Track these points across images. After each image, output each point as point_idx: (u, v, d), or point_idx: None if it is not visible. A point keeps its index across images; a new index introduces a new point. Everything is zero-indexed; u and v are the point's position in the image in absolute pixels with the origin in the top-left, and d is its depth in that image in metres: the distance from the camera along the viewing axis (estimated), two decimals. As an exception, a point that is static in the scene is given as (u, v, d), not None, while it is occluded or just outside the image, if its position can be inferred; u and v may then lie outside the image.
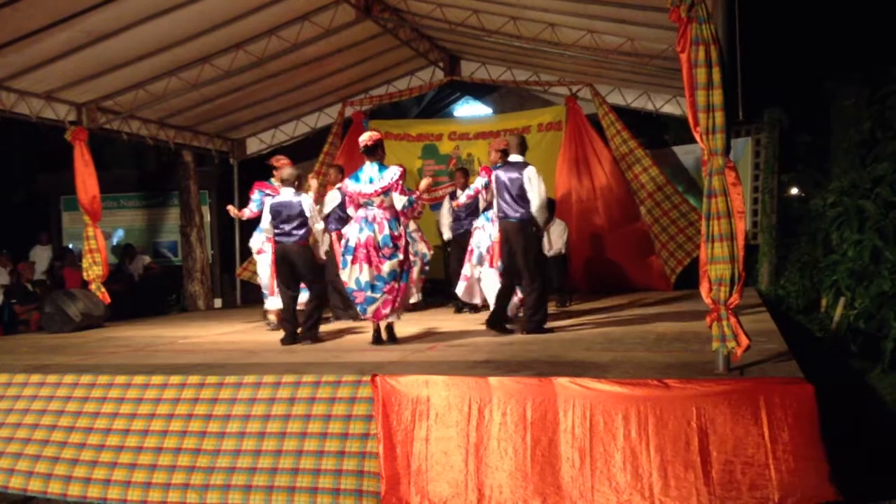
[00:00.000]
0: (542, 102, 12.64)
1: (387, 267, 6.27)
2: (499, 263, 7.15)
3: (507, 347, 6.01)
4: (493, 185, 6.86)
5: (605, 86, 11.34)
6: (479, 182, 7.57)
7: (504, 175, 6.73)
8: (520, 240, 6.65)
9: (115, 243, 13.86)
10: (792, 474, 3.85)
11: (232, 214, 8.07)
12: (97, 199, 9.86)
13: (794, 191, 12.34)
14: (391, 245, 6.28)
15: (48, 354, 6.86)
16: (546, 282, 6.97)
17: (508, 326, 6.89)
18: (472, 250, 7.81)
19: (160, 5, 8.02)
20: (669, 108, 11.33)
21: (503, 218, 6.78)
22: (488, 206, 7.55)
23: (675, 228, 10.61)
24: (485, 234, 7.67)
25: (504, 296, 6.90)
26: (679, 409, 4.07)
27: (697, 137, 4.61)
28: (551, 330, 6.83)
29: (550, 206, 9.29)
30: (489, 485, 4.25)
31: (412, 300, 6.99)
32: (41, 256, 12.64)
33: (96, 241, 9.86)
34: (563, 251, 9.36)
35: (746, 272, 4.67)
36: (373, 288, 6.30)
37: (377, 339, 6.54)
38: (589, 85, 11.20)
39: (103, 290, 9.79)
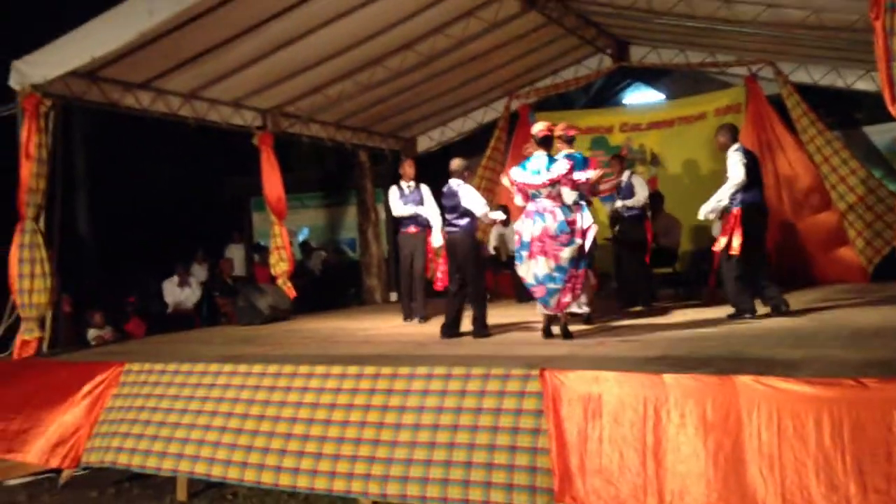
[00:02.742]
0: (718, 85, 12.01)
1: (566, 254, 6.16)
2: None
3: (685, 343, 5.76)
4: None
5: (788, 63, 10.57)
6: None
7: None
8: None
9: (300, 240, 14.68)
10: None
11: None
12: (282, 199, 10.47)
13: None
14: (567, 230, 6.18)
15: (239, 345, 7.36)
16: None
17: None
18: None
19: (335, 11, 8.35)
20: (862, 84, 10.41)
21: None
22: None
23: (872, 215, 9.72)
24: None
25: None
26: (879, 413, 3.70)
27: (894, 113, 4.21)
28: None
29: (657, 199, 8.98)
30: (669, 490, 4.05)
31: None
32: (236, 254, 13.62)
33: (282, 239, 10.48)
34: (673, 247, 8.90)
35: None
36: (553, 279, 6.20)
37: (548, 333, 6.47)
38: (770, 63, 10.50)
39: (289, 284, 10.40)
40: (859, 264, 9.92)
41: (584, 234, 6.36)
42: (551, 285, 6.22)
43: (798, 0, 7.93)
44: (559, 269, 6.18)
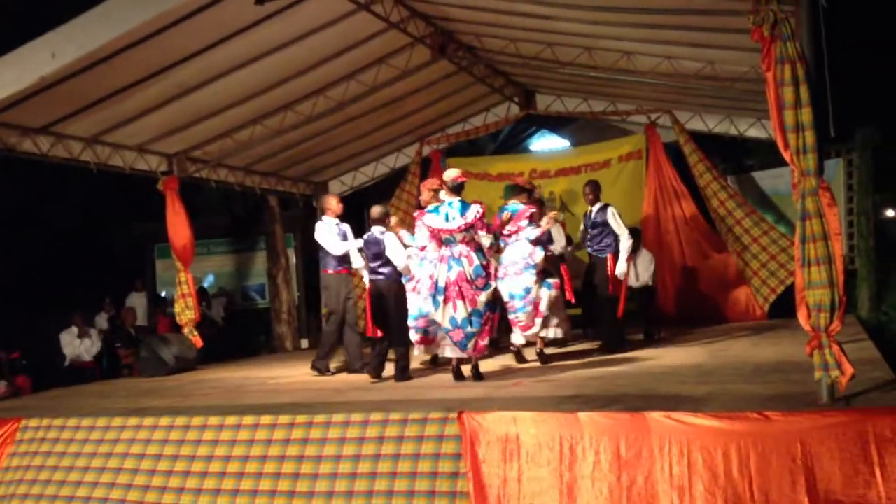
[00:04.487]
0: (620, 132, 12.48)
1: (483, 297, 6.27)
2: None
3: (596, 382, 5.87)
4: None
5: (685, 112, 11.13)
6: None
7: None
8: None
9: (205, 288, 14.28)
10: (910, 513, 3.60)
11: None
12: (189, 245, 10.20)
13: (891, 212, 11.78)
14: (483, 275, 6.29)
15: (144, 398, 7.08)
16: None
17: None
18: None
19: (244, 56, 8.31)
20: (754, 132, 11.02)
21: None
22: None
23: (767, 255, 10.23)
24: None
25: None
26: (783, 445, 3.88)
27: (788, 158, 4.46)
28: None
29: (636, 235, 9.13)
30: (586, 527, 4.12)
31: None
32: (138, 303, 13.12)
33: (188, 287, 10.19)
34: (651, 283, 9.14)
35: (846, 297, 4.44)
36: (471, 322, 6.28)
37: (458, 375, 6.52)
38: (668, 112, 11.02)
39: (196, 333, 10.09)
40: (756, 302, 10.38)
41: (495, 277, 6.46)
42: (469, 329, 6.29)
43: (693, 52, 8.37)
44: (476, 312, 6.28)
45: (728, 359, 6.77)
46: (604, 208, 7.88)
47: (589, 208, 8.10)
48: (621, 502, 4.08)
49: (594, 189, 8.11)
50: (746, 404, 4.40)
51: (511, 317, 7.22)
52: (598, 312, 8.37)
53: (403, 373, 6.96)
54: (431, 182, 7.45)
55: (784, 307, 9.40)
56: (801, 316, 4.39)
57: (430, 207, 6.63)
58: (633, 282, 8.90)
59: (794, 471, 3.81)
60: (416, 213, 7.74)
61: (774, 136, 4.53)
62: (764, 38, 4.48)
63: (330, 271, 7.97)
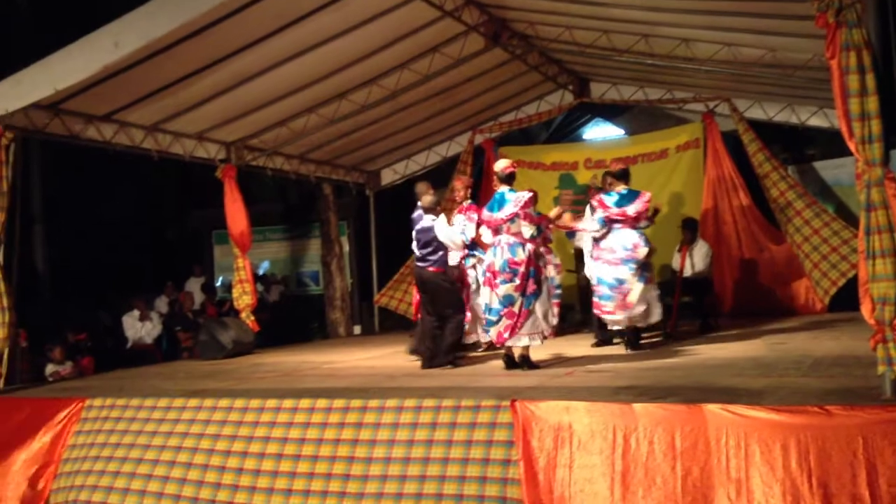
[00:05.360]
0: (676, 120, 12.28)
1: (501, 291, 6.32)
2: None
3: (651, 373, 5.82)
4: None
5: (744, 100, 10.89)
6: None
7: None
8: None
9: (261, 274, 14.55)
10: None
11: None
12: (246, 232, 10.39)
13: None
14: (507, 270, 6.32)
15: (203, 380, 7.24)
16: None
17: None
18: None
19: (300, 45, 8.41)
20: (816, 121, 10.74)
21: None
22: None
23: (828, 247, 9.95)
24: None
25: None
26: (843, 439, 3.81)
27: (852, 148, 4.36)
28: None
29: (692, 226, 9.02)
30: (638, 515, 4.10)
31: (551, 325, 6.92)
32: (196, 288, 13.43)
33: (246, 272, 10.39)
34: (707, 273, 9.00)
35: (913, 290, 4.32)
36: (490, 311, 6.43)
37: (509, 364, 6.53)
38: (727, 100, 10.79)
39: (252, 318, 10.29)
40: (817, 294, 10.15)
41: (525, 275, 6.33)
42: (489, 316, 6.46)
43: (754, 39, 8.19)
44: (497, 301, 6.35)
45: (787, 352, 6.65)
46: None
47: None
48: (675, 491, 4.05)
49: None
50: (805, 398, 4.33)
51: (595, 299, 7.27)
52: None
53: (455, 361, 7.00)
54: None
55: (845, 300, 9.16)
56: (865, 309, 4.29)
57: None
58: (688, 272, 8.79)
59: (856, 465, 3.74)
60: (462, 207, 7.78)
61: (839, 125, 4.42)
62: (829, 25, 4.37)
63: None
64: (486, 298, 6.52)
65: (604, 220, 7.25)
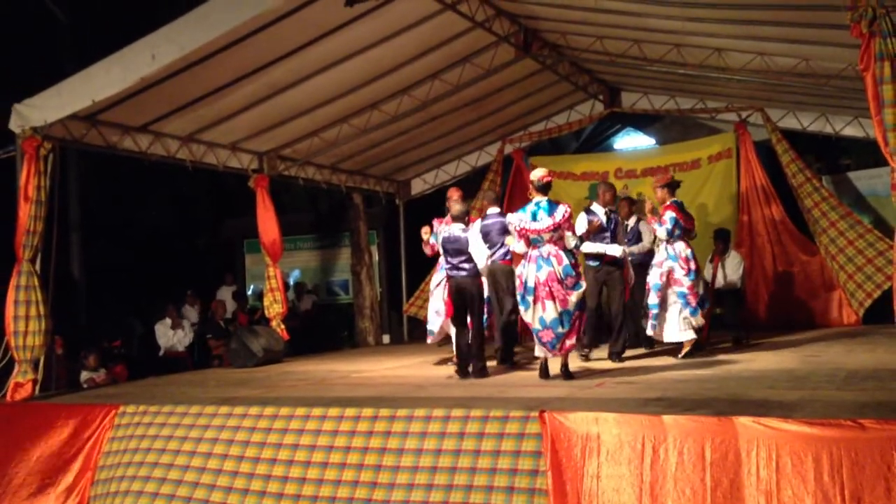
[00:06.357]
0: (707, 130, 12.20)
1: (574, 297, 6.26)
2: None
3: (682, 385, 5.77)
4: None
5: (777, 110, 10.79)
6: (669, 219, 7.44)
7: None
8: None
9: (291, 283, 14.68)
10: None
11: (424, 235, 7.74)
12: (277, 241, 10.49)
13: None
14: (573, 274, 6.29)
15: (234, 387, 7.31)
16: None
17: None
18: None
19: (333, 56, 8.51)
20: (851, 131, 10.61)
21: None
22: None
23: (863, 259, 9.81)
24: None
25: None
26: (877, 453, 3.74)
27: (888, 157, 4.31)
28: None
29: (725, 236, 8.94)
30: (667, 526, 4.07)
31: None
32: (227, 296, 13.59)
33: (277, 281, 10.49)
34: (739, 285, 8.90)
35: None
36: (561, 323, 6.27)
37: (545, 373, 6.50)
38: (760, 109, 10.70)
39: (283, 326, 10.38)
40: (850, 308, 9.99)
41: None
42: (559, 329, 6.28)
43: (788, 48, 8.11)
44: (566, 312, 6.27)
45: (820, 365, 6.55)
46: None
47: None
48: (705, 502, 4.02)
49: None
50: (839, 411, 4.27)
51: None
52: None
53: (482, 371, 6.98)
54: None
55: (879, 313, 9.02)
56: (901, 321, 4.23)
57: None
58: (720, 283, 8.71)
59: (890, 479, 3.68)
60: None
61: (875, 134, 4.38)
62: (863, 35, 4.35)
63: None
64: (544, 313, 6.24)
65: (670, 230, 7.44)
